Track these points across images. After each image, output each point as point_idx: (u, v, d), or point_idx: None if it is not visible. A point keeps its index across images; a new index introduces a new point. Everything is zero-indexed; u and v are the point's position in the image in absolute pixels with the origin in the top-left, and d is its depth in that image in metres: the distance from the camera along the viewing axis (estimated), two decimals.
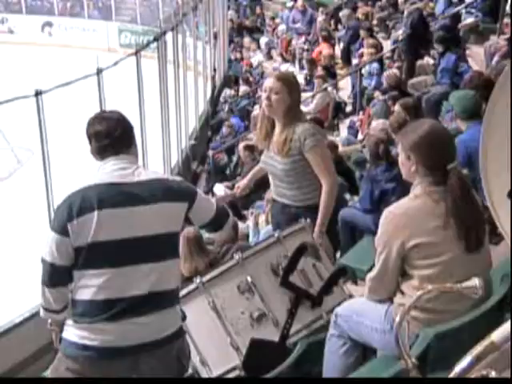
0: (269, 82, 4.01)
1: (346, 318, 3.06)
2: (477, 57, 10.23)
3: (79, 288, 2.75)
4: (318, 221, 3.90)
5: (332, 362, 3.10)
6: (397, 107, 6.74)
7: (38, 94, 7.34)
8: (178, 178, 2.99)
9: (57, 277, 2.79)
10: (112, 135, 2.88)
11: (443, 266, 2.74)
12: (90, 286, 2.71)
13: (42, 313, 2.94)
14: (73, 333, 2.75)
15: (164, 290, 2.78)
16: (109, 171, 2.82)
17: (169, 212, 2.81)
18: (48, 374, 2.87)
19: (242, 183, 4.47)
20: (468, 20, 11.02)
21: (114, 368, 2.75)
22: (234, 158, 11.09)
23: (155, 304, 2.75)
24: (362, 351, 3.11)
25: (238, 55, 17.24)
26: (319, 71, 12.70)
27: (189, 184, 3.04)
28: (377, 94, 9.79)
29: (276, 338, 3.40)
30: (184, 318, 2.97)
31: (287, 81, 3.99)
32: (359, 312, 3.01)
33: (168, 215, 2.81)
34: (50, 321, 2.95)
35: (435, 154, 2.82)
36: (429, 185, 2.81)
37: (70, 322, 2.79)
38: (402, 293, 2.84)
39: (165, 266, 2.79)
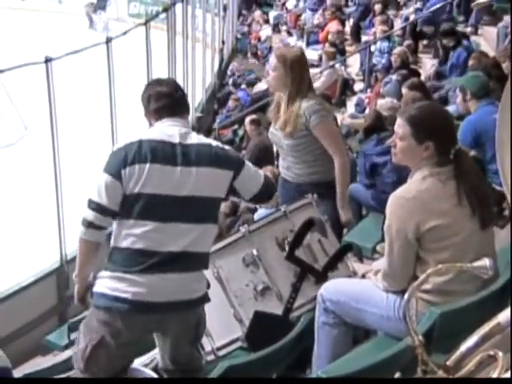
0: (270, 58, 4.07)
1: (339, 304, 3.04)
2: (489, 37, 10.15)
3: (118, 236, 2.81)
4: (338, 196, 3.99)
5: (325, 349, 3.11)
6: (404, 90, 6.70)
7: (47, 60, 7.31)
8: (228, 147, 3.05)
9: (100, 218, 2.83)
10: (173, 96, 2.98)
11: (457, 248, 2.74)
12: (129, 235, 2.78)
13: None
14: (104, 285, 2.80)
15: (197, 251, 2.85)
16: (163, 130, 2.90)
17: (214, 177, 2.87)
18: (80, 328, 2.92)
19: None
20: None
21: (142, 323, 2.83)
22: (240, 132, 11.09)
23: (187, 263, 2.82)
24: (354, 332, 3.16)
25: (246, 28, 17.15)
26: (327, 47, 12.64)
27: (238, 154, 3.10)
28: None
29: (279, 311, 3.42)
30: (208, 285, 3.00)
31: (284, 58, 3.96)
32: (360, 299, 2.99)
33: (213, 180, 2.87)
34: (75, 273, 3.01)
35: (450, 137, 2.86)
36: (434, 166, 2.80)
37: (103, 273, 2.85)
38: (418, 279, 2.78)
39: (203, 229, 2.85)
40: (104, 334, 2.81)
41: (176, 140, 2.86)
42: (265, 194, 3.11)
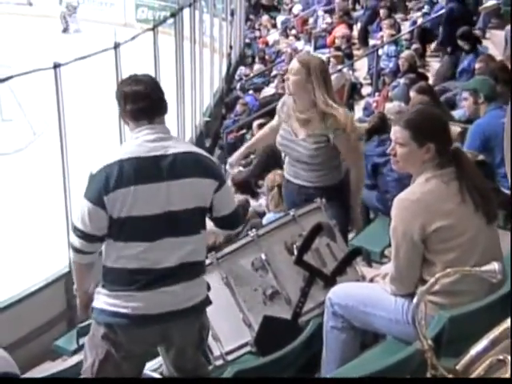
0: (291, 63, 3.99)
1: (348, 308, 3.04)
2: (496, 40, 10.13)
3: (110, 256, 2.77)
4: (353, 203, 4.10)
5: (334, 353, 3.11)
6: (412, 93, 6.69)
7: (56, 66, 7.33)
8: (212, 157, 2.99)
9: (87, 245, 2.78)
10: (150, 97, 2.79)
11: (463, 248, 2.75)
12: (121, 256, 2.74)
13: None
14: (103, 301, 2.78)
15: (194, 261, 2.82)
16: (143, 142, 2.75)
17: (201, 187, 2.80)
18: (85, 345, 2.92)
19: (233, 159, 4.36)
20: (489, 3, 10.87)
21: (145, 336, 2.81)
22: (248, 136, 11.09)
23: (185, 274, 2.79)
24: (363, 336, 3.16)
25: (257, 33, 17.18)
26: (333, 52, 12.64)
27: (221, 170, 3.04)
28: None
29: (288, 315, 3.42)
30: (208, 287, 2.99)
31: (307, 64, 3.88)
32: (368, 303, 2.99)
33: (200, 190, 2.80)
34: (75, 287, 2.99)
35: (448, 137, 2.89)
36: (436, 168, 2.82)
37: (100, 289, 2.82)
38: (425, 281, 2.72)
39: (196, 239, 2.82)
40: (108, 348, 2.79)
41: (158, 152, 2.73)
42: (232, 221, 3.03)
